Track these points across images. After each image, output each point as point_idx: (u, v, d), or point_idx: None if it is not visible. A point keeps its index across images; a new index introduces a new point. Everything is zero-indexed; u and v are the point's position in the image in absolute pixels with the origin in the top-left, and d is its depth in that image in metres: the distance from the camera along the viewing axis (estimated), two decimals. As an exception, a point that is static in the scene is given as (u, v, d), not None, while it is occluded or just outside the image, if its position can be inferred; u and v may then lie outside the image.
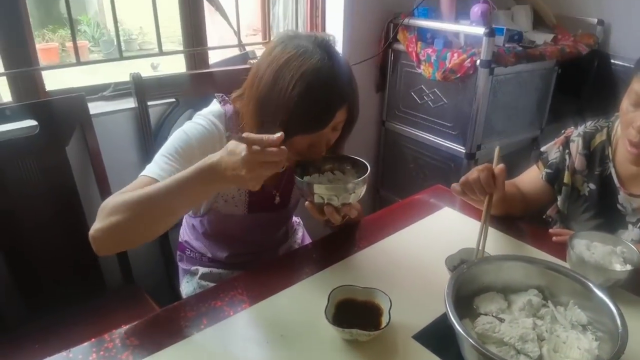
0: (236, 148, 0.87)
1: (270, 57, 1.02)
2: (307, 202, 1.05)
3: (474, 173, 1.16)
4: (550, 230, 1.29)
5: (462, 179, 1.18)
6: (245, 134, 0.87)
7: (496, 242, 1.21)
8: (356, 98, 1.08)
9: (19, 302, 1.47)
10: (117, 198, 0.94)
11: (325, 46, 1.02)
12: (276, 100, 1.00)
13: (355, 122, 1.11)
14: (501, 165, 1.16)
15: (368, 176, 1.05)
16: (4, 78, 1.57)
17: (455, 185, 1.20)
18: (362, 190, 1.05)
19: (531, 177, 1.39)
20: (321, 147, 1.09)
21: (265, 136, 0.86)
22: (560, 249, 1.13)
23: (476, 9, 2.12)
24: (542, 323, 0.88)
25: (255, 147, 0.85)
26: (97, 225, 0.93)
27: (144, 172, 1.03)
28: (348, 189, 1.01)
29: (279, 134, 0.87)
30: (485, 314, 0.91)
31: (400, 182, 2.53)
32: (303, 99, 0.98)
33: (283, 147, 0.87)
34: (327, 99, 1.01)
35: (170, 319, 0.97)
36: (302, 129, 1.03)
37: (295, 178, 1.04)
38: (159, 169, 1.01)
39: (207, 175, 0.90)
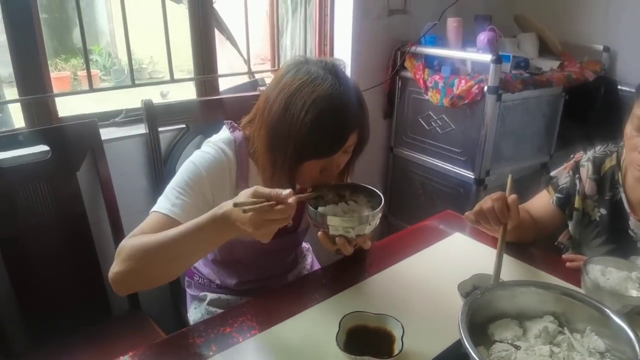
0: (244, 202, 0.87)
1: (281, 84, 1.03)
2: (319, 232, 1.04)
3: (487, 202, 1.15)
4: (564, 256, 1.27)
5: (476, 208, 1.17)
6: (254, 190, 0.87)
7: (509, 269, 1.19)
8: (367, 121, 1.09)
9: (24, 327, 1.46)
10: (134, 242, 0.95)
11: (335, 71, 1.03)
12: (288, 127, 1.00)
13: (366, 144, 1.11)
14: (513, 196, 1.15)
15: (383, 206, 1.04)
16: (18, 104, 1.60)
17: (469, 214, 1.19)
18: (377, 221, 1.04)
19: (542, 202, 1.38)
20: (332, 170, 1.09)
21: (274, 192, 0.87)
22: (574, 275, 1.11)
23: (482, 37, 2.14)
24: (559, 350, 0.86)
25: (263, 205, 0.85)
26: (115, 269, 0.95)
27: (155, 208, 1.03)
28: (363, 221, 1.00)
29: (288, 191, 0.87)
30: (501, 341, 0.88)
31: (409, 208, 2.51)
32: (315, 125, 0.98)
33: (291, 200, 0.87)
34: (339, 124, 1.01)
35: (179, 345, 0.96)
36: (314, 155, 1.03)
37: (308, 209, 1.04)
38: (170, 204, 1.02)
39: (220, 224, 0.90)
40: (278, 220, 0.87)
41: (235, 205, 0.86)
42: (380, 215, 1.03)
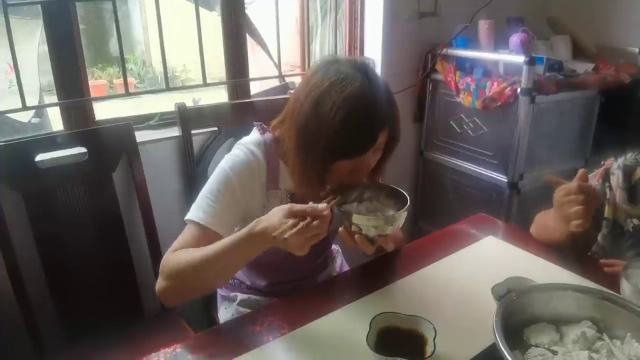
0: (279, 222, 0.90)
1: (310, 84, 1.03)
2: (341, 229, 1.03)
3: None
4: (602, 261, 1.23)
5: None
6: (289, 209, 0.90)
7: (544, 272, 1.16)
8: (397, 120, 1.08)
9: (58, 326, 1.49)
10: (176, 259, 1.00)
11: (365, 70, 1.02)
12: (317, 127, 1.00)
13: (397, 143, 1.10)
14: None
15: (408, 207, 1.02)
16: (57, 110, 1.65)
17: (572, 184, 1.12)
18: (401, 222, 1.02)
19: None
20: (363, 171, 1.08)
21: (309, 208, 0.90)
22: (612, 281, 1.07)
23: (515, 39, 2.11)
24: (598, 357, 0.84)
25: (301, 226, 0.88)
26: (161, 285, 1.02)
27: (189, 216, 1.07)
28: (387, 220, 0.98)
29: (324, 206, 0.91)
30: (537, 346, 0.87)
31: (440, 213, 2.48)
32: (345, 125, 0.97)
33: (326, 211, 0.90)
34: (368, 124, 1.00)
35: (209, 343, 0.97)
36: (344, 154, 1.02)
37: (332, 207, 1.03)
38: (202, 213, 1.06)
39: (257, 240, 0.94)
40: (317, 235, 0.90)
41: (275, 236, 0.89)
42: (405, 215, 1.01)
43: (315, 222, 0.88)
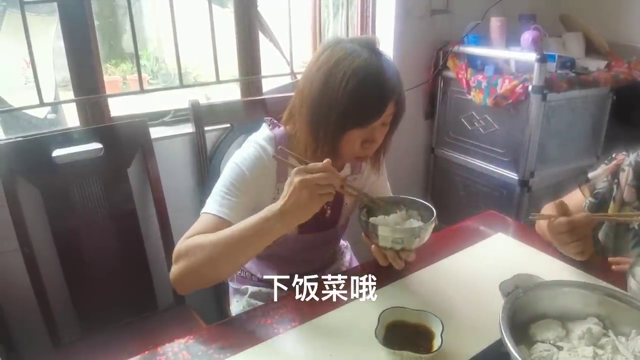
0: (289, 182, 0.94)
1: (319, 62, 1.07)
2: (373, 247, 1.10)
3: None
4: (610, 259, 1.23)
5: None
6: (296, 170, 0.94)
7: (550, 269, 1.17)
8: (403, 92, 1.11)
9: (74, 318, 1.53)
10: (188, 242, 1.01)
11: (370, 45, 1.07)
12: (329, 99, 1.04)
13: (402, 116, 1.14)
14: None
15: (434, 219, 1.07)
16: (73, 105, 1.69)
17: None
18: (428, 235, 1.07)
19: (576, 202, 1.32)
20: (374, 143, 1.12)
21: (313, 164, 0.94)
22: (619, 279, 1.08)
23: (527, 36, 2.10)
24: (603, 352, 0.84)
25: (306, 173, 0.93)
26: (175, 269, 1.01)
27: (205, 210, 1.09)
28: (415, 233, 1.03)
29: (325, 161, 0.94)
30: (543, 342, 0.87)
31: (450, 210, 2.48)
32: (356, 93, 1.02)
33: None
34: (379, 91, 1.05)
35: (221, 335, 0.99)
36: (356, 123, 1.06)
37: (359, 219, 1.08)
38: (218, 205, 1.08)
39: (272, 221, 0.95)
40: (323, 186, 0.92)
41: (286, 200, 0.93)
42: (431, 228, 1.07)
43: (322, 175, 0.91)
